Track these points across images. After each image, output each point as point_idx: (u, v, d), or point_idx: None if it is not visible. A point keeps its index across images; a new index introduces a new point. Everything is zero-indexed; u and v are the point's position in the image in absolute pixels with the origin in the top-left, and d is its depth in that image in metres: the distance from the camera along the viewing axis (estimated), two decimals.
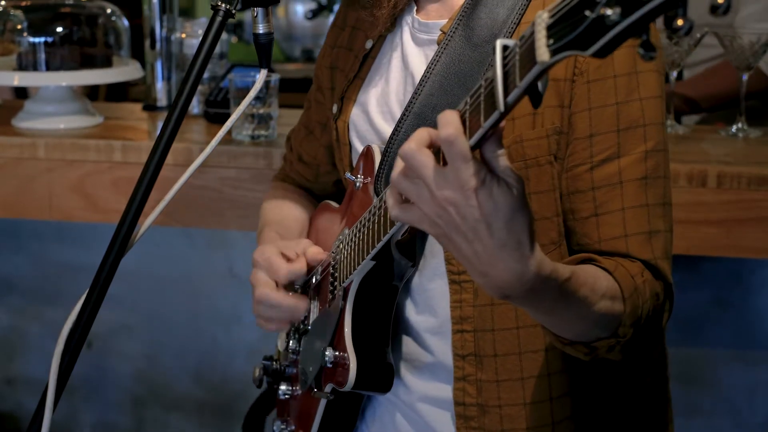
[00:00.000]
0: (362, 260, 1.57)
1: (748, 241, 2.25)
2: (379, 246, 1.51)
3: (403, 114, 1.61)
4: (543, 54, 1.06)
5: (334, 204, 1.87)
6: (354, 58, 1.77)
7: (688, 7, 1.03)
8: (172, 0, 3.03)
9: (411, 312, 1.68)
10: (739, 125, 2.57)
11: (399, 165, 1.22)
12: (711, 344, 2.65)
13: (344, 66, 1.80)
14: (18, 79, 2.69)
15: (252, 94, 1.54)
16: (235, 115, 1.55)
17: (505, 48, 1.13)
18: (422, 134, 1.21)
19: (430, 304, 1.65)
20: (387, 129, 1.68)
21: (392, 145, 1.61)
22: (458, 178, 1.17)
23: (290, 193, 2.00)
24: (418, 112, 1.59)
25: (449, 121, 1.16)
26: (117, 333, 3.08)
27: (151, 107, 2.95)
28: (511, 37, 1.55)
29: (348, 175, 1.69)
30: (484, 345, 1.61)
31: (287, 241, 1.80)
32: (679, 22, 1.01)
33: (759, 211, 2.23)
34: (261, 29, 1.55)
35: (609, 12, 1.02)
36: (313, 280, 1.77)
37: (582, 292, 1.35)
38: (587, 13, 1.03)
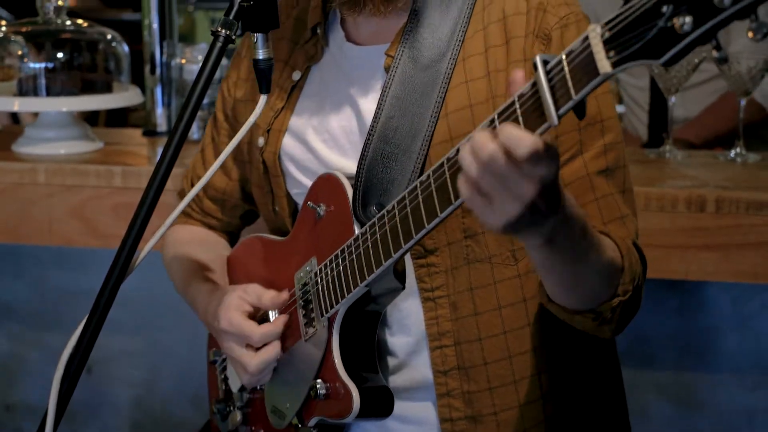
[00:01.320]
0: (354, 288, 1.56)
1: (747, 266, 2.25)
2: (379, 271, 1.51)
3: (368, 138, 1.62)
4: (605, 66, 1.12)
5: (271, 237, 1.83)
6: (279, 90, 1.76)
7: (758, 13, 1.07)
8: (172, 26, 3.04)
9: (385, 334, 1.68)
10: (738, 150, 2.58)
11: (470, 168, 1.21)
12: (710, 368, 2.64)
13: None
14: (18, 104, 2.70)
15: (252, 119, 1.54)
16: (235, 140, 1.55)
17: (545, 62, 1.18)
18: (487, 135, 1.20)
19: (404, 324, 1.66)
20: (331, 155, 1.70)
21: (362, 170, 1.61)
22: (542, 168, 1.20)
23: (197, 235, 1.98)
24: (382, 135, 1.61)
25: (521, 137, 1.17)
26: (117, 358, 3.07)
27: (151, 133, 2.96)
28: (457, 55, 1.60)
29: (310, 204, 1.67)
30: (471, 356, 1.63)
31: (240, 291, 1.74)
32: (750, 34, 1.06)
33: (757, 236, 2.23)
34: (261, 55, 1.54)
35: (680, 22, 1.07)
36: (271, 318, 1.74)
37: (596, 236, 1.42)
38: (654, 23, 1.09)
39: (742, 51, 2.66)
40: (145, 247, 1.61)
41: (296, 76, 1.75)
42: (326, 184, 1.66)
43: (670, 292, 2.60)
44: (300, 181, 1.75)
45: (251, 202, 1.90)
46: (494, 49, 1.60)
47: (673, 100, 2.62)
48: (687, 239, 2.25)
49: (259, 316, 1.74)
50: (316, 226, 1.67)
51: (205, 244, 1.95)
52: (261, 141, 1.78)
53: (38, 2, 2.75)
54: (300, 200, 1.77)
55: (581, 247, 1.39)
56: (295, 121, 1.74)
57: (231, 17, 1.49)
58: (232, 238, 2.02)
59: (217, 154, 1.91)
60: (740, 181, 2.39)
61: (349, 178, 1.63)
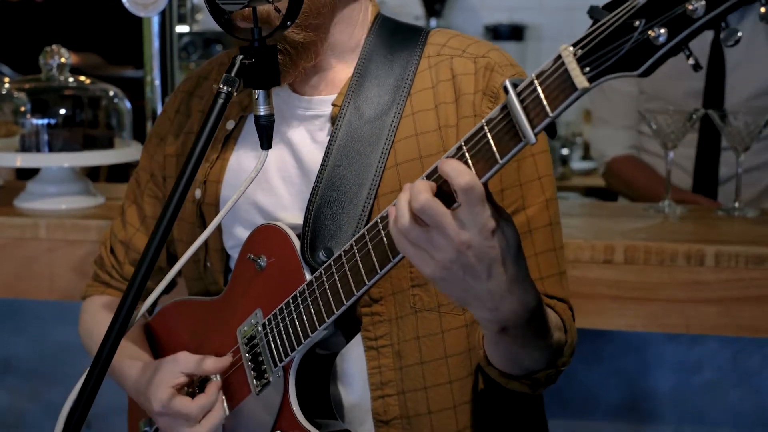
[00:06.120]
0: (313, 332, 1.55)
1: (746, 320, 2.25)
2: (341, 310, 1.51)
3: (316, 184, 1.64)
4: (582, 82, 1.17)
5: (199, 298, 1.80)
6: (213, 140, 1.75)
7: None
8: (173, 82, 3.06)
9: (329, 383, 1.68)
10: (736, 205, 2.59)
11: (403, 216, 1.28)
12: (713, 424, 2.64)
13: None
14: (20, 160, 2.71)
15: (253, 175, 1.55)
16: (237, 195, 1.56)
17: (515, 85, 1.22)
18: (425, 185, 1.27)
19: (348, 373, 1.68)
20: (271, 203, 1.70)
21: (310, 215, 1.63)
22: (477, 221, 1.25)
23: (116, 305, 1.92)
24: (329, 182, 1.63)
25: (461, 171, 1.24)
26: (116, 413, 3.06)
27: None
28: (403, 109, 1.65)
29: (250, 256, 1.66)
30: (416, 405, 1.65)
31: (170, 364, 1.70)
32: (722, 36, 1.13)
33: (757, 290, 2.24)
34: (262, 111, 1.54)
35: (656, 33, 1.13)
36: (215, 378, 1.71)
37: (546, 317, 1.47)
38: (629, 36, 1.14)
39: (739, 109, 2.68)
40: (146, 302, 1.62)
41: (230, 125, 1.77)
42: (266, 234, 1.66)
43: (670, 347, 2.60)
44: (235, 234, 1.75)
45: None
46: (445, 106, 1.66)
47: (671, 155, 2.64)
48: (686, 293, 2.25)
49: (197, 379, 1.72)
50: (257, 278, 1.67)
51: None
52: (198, 193, 1.77)
53: (41, 59, 2.77)
54: (234, 254, 1.76)
55: (532, 333, 1.44)
56: (232, 173, 1.75)
57: (233, 74, 1.50)
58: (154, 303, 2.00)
59: (141, 216, 1.91)
60: (739, 235, 2.40)
61: (291, 228, 1.65)
